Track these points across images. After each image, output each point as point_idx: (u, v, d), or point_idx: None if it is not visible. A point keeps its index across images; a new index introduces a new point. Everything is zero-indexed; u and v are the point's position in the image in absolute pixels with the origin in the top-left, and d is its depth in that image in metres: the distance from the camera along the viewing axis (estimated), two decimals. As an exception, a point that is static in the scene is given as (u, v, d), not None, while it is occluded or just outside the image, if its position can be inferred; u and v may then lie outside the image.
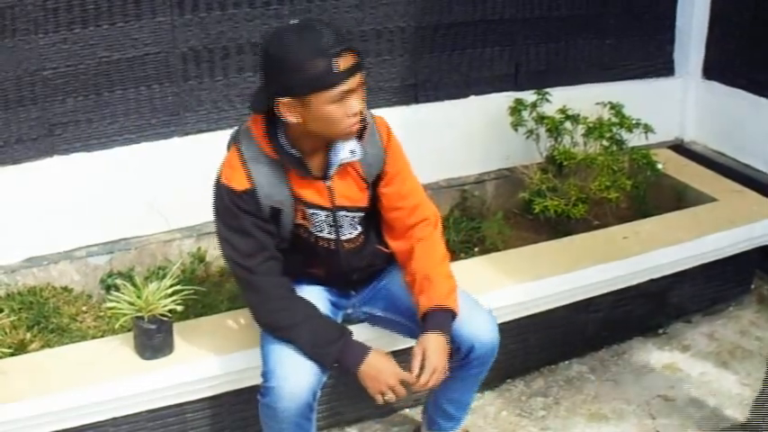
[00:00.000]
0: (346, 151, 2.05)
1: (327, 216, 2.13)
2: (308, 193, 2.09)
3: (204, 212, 2.95)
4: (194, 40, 2.85)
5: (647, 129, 3.18)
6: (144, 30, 2.77)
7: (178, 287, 2.29)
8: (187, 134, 2.94)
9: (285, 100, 1.92)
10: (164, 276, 2.37)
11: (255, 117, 2.05)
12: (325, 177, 2.09)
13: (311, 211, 2.11)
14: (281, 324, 2.08)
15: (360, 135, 2.06)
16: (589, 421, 2.68)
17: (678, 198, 3.34)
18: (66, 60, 2.69)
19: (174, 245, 2.94)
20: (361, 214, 2.19)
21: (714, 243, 3.00)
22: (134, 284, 2.28)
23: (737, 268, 3.19)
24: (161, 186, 2.90)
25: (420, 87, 3.23)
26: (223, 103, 2.97)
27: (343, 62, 1.88)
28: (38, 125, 2.71)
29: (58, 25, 2.64)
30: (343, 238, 2.17)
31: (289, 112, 1.94)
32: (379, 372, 2.05)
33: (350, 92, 1.91)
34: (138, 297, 2.24)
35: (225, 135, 2.91)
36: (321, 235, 2.15)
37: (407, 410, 2.67)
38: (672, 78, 3.75)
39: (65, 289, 2.78)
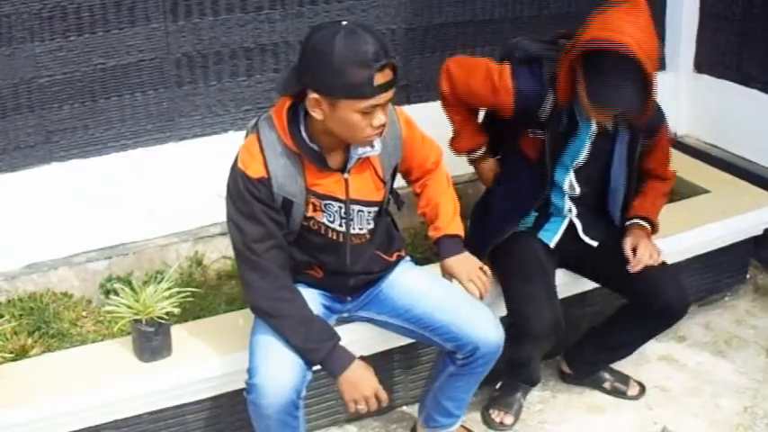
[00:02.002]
0: (366, 146, 2.09)
1: (341, 207, 2.15)
2: (324, 186, 2.11)
3: (200, 216, 3.01)
4: (188, 45, 2.88)
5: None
6: (138, 36, 2.80)
7: (175, 290, 2.31)
8: (182, 139, 2.97)
9: (316, 96, 1.94)
10: (161, 280, 2.39)
11: (278, 108, 2.07)
12: (343, 170, 2.12)
13: (325, 201, 2.13)
14: (278, 312, 2.10)
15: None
16: (586, 413, 2.70)
17: (671, 190, 3.34)
18: (63, 68, 2.71)
19: (171, 249, 2.97)
20: (375, 209, 2.22)
21: (708, 234, 3.02)
22: (132, 288, 2.30)
23: (732, 258, 3.22)
24: (157, 191, 2.93)
25: (412, 88, 3.26)
26: (217, 108, 2.99)
27: (383, 77, 1.91)
28: (35, 132, 2.74)
29: (53, 33, 2.67)
30: (353, 231, 2.20)
31: (315, 107, 1.96)
32: (359, 381, 2.09)
33: (378, 106, 1.94)
34: (136, 300, 2.26)
35: (220, 139, 3.00)
36: (332, 226, 2.17)
37: (405, 408, 2.69)
38: (663, 73, 3.75)
39: (65, 294, 2.80)
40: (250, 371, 2.10)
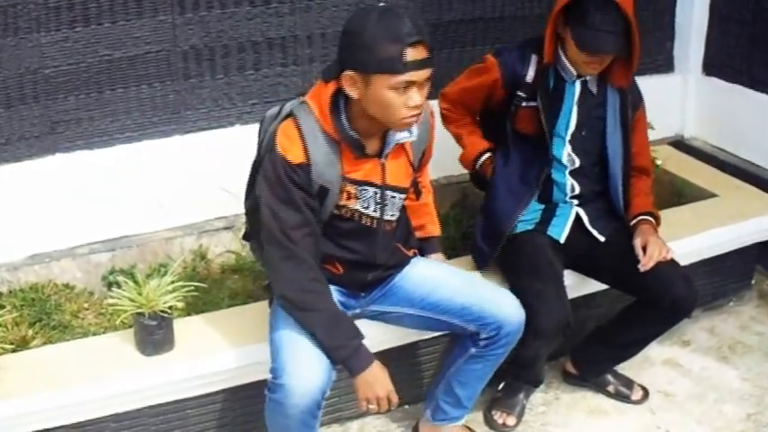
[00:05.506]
0: (404, 131, 2.09)
1: (376, 193, 2.15)
2: (361, 172, 2.12)
3: (205, 210, 3.00)
4: (195, 38, 2.86)
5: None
6: (145, 28, 2.78)
7: (179, 284, 2.30)
8: (188, 132, 2.95)
9: (351, 73, 1.97)
10: (165, 273, 2.38)
11: (315, 94, 2.07)
12: (380, 155, 2.12)
13: (362, 187, 2.13)
14: (308, 305, 2.08)
15: None
16: (589, 416, 2.69)
17: (678, 194, 3.34)
18: (68, 59, 2.70)
19: (175, 242, 2.95)
20: (404, 196, 2.24)
21: (714, 238, 3.00)
22: (135, 281, 2.29)
23: (738, 263, 3.20)
24: (162, 184, 2.91)
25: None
26: (224, 102, 2.98)
27: (415, 53, 1.92)
28: (40, 123, 2.73)
29: (59, 24, 2.66)
30: (386, 217, 2.20)
31: (351, 86, 1.98)
32: (376, 381, 2.09)
33: (413, 84, 1.94)
34: (139, 293, 2.25)
35: (226, 133, 2.99)
36: (366, 212, 2.17)
37: (407, 407, 2.67)
38: (672, 75, 3.75)
39: (66, 286, 2.79)
40: (275, 370, 2.07)
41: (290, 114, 2.07)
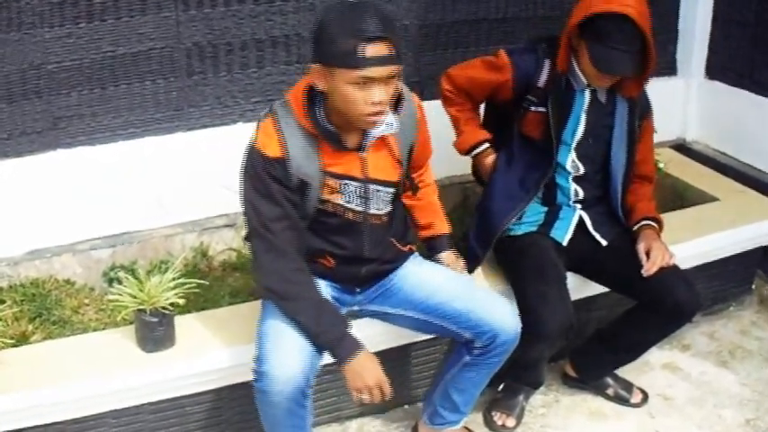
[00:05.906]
0: (383, 124, 2.08)
1: (358, 188, 2.15)
2: (341, 166, 2.12)
3: (207, 207, 3.00)
4: (199, 35, 2.86)
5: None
6: (149, 25, 2.78)
7: (180, 280, 2.30)
8: (191, 129, 2.95)
9: (316, 65, 1.98)
10: (166, 270, 2.38)
11: (294, 91, 2.09)
12: (359, 149, 2.12)
13: (343, 181, 2.13)
14: (292, 295, 2.09)
15: (396, 108, 2.11)
16: (589, 419, 2.69)
17: (680, 197, 3.34)
18: (71, 54, 2.70)
19: (176, 239, 2.95)
20: (392, 190, 2.22)
21: (715, 243, 3.00)
22: (136, 277, 2.29)
23: (738, 268, 3.20)
24: (164, 181, 2.91)
25: (424, 84, 3.23)
26: (226, 99, 2.97)
27: (373, 50, 1.91)
28: (42, 118, 2.72)
29: (63, 19, 2.65)
30: (371, 211, 2.19)
31: (319, 79, 2.00)
32: (365, 370, 2.08)
33: (373, 80, 1.94)
34: (141, 290, 2.25)
35: (228, 130, 2.98)
36: (350, 207, 2.17)
37: (406, 407, 2.68)
38: (674, 78, 3.75)
39: (67, 281, 2.79)
40: (258, 358, 2.08)
41: (271, 112, 2.09)
